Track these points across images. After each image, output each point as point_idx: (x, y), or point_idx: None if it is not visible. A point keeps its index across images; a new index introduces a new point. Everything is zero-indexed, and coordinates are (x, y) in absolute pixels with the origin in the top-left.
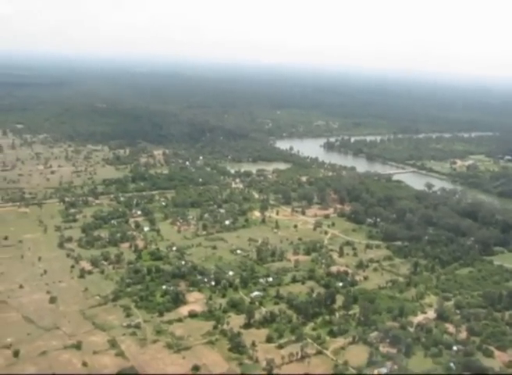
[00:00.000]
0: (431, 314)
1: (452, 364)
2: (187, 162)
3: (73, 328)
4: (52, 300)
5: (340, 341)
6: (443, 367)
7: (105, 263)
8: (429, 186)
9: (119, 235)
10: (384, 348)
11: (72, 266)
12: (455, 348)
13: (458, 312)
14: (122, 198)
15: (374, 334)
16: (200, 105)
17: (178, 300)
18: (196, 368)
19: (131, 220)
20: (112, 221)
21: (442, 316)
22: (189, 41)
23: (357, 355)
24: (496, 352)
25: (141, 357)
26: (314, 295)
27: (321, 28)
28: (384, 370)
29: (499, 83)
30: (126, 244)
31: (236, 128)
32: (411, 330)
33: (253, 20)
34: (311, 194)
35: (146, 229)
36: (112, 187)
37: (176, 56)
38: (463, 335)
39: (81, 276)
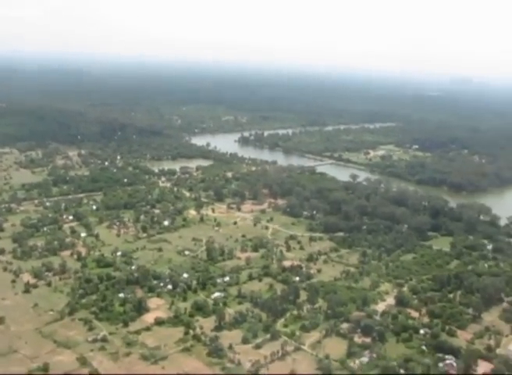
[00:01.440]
0: (390, 301)
1: (424, 347)
2: (106, 163)
3: (33, 349)
4: (0, 320)
5: (314, 335)
6: (417, 351)
7: (50, 275)
8: (354, 177)
9: (56, 243)
10: (359, 339)
11: (13, 281)
12: (422, 331)
13: (415, 296)
14: (48, 203)
15: (345, 326)
16: (105, 103)
17: (140, 308)
18: None
19: (65, 226)
20: (45, 228)
21: (401, 302)
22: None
23: (335, 347)
24: (458, 331)
25: (118, 372)
26: (279, 292)
27: (220, 22)
28: (365, 359)
29: (398, 77)
30: (67, 252)
31: (147, 125)
32: (377, 318)
33: (155, 16)
34: (243, 190)
35: (83, 235)
36: (34, 191)
37: (80, 53)
38: (425, 318)
39: (26, 290)
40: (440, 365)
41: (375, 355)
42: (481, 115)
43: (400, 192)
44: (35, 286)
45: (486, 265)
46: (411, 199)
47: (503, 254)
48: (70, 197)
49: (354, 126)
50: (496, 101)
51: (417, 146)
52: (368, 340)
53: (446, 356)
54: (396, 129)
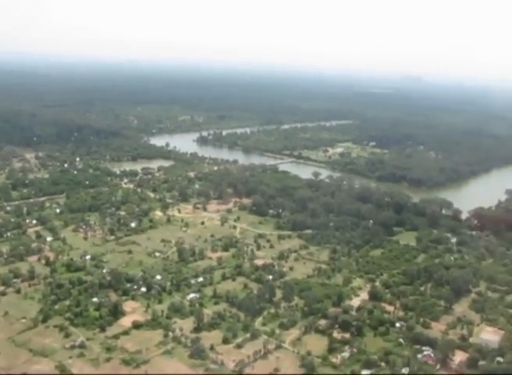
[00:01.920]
0: (364, 296)
1: (401, 339)
2: (66, 165)
3: (8, 359)
4: None
5: (294, 333)
6: (394, 343)
7: (18, 281)
8: (316, 174)
9: (22, 248)
10: (338, 334)
11: None
12: (398, 324)
13: (387, 291)
14: (8, 208)
15: (323, 322)
16: (58, 104)
17: (116, 312)
18: None
19: (29, 231)
20: (8, 234)
21: (375, 297)
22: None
23: (315, 343)
24: (432, 323)
25: None
26: (254, 291)
27: (177, 22)
28: (346, 354)
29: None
30: (34, 258)
31: (104, 126)
32: (354, 313)
33: (108, 16)
34: (207, 190)
35: (49, 239)
36: None
37: (28, 53)
38: (399, 312)
39: None
40: (419, 356)
41: (355, 350)
42: (432, 112)
43: (363, 189)
44: (3, 293)
45: (452, 258)
46: (375, 195)
47: (467, 246)
48: (32, 200)
49: (311, 124)
50: (444, 98)
51: (374, 143)
52: (346, 335)
53: (423, 347)
54: (352, 126)
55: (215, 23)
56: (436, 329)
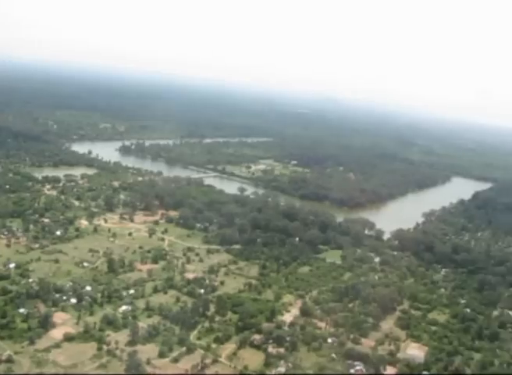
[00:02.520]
0: (294, 312)
1: (334, 355)
2: None
3: None
4: None
5: (229, 347)
6: (328, 359)
7: None
8: (242, 190)
9: None
10: (273, 349)
11: None
12: (330, 340)
13: (317, 307)
14: None
15: (257, 337)
16: None
17: (46, 323)
18: None
19: None
20: None
21: (306, 313)
22: None
23: (250, 358)
24: (362, 339)
25: None
26: (187, 304)
27: (95, 27)
28: (282, 370)
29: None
30: None
31: (23, 129)
32: (286, 328)
33: (24, 16)
34: (133, 201)
35: None
36: None
37: None
38: (330, 328)
39: None
40: (351, 371)
41: (290, 365)
42: (348, 133)
43: (289, 206)
44: None
45: (376, 277)
46: (300, 214)
47: (389, 266)
48: None
49: (232, 139)
50: (359, 120)
51: (295, 161)
52: (281, 350)
53: (355, 363)
54: (273, 144)
55: (143, 32)
56: (366, 344)
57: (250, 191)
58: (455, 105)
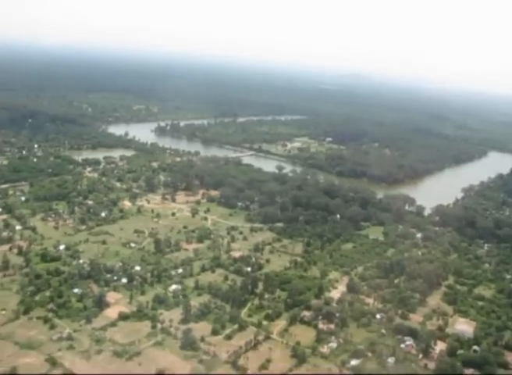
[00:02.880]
0: (341, 288)
1: (383, 330)
2: (24, 152)
3: None
4: None
5: (280, 324)
6: (377, 334)
7: None
8: (280, 168)
9: None
10: (324, 325)
11: None
12: (378, 316)
13: (363, 283)
14: None
15: (307, 313)
16: (4, 88)
17: (101, 303)
18: (161, 372)
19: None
20: None
21: (352, 290)
22: None
23: (302, 334)
24: (410, 315)
25: (95, 371)
26: (233, 283)
27: (125, 8)
28: (334, 345)
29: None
30: (5, 247)
31: (60, 113)
32: (334, 305)
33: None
34: (174, 181)
35: (18, 228)
36: None
37: None
38: (378, 304)
39: None
40: (402, 346)
41: (341, 341)
42: (379, 109)
43: (328, 184)
44: None
45: (419, 252)
46: (341, 191)
47: (432, 242)
48: None
49: (265, 117)
50: (388, 96)
51: (330, 139)
52: (331, 326)
53: (405, 338)
54: (306, 121)
55: (168, 11)
56: (414, 320)
57: (288, 169)
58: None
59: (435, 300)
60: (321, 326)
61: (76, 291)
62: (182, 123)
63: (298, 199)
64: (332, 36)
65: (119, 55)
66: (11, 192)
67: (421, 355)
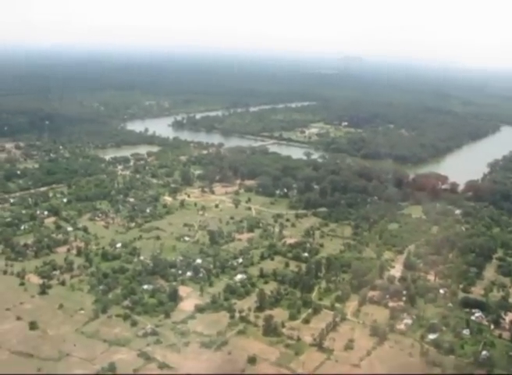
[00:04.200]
0: (398, 267)
1: (450, 304)
2: (52, 154)
3: (86, 351)
4: (32, 326)
5: (351, 305)
6: (445, 308)
7: (57, 273)
8: (308, 154)
9: (46, 240)
10: (394, 303)
11: (22, 283)
12: (442, 291)
13: (419, 261)
14: (11, 200)
15: (374, 293)
16: (12, 93)
17: (175, 297)
18: (252, 359)
19: (46, 222)
20: (24, 226)
21: (410, 267)
22: None
23: (375, 313)
24: (471, 288)
25: (189, 363)
26: (300, 268)
27: (121, 6)
28: (409, 321)
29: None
30: (63, 249)
31: (75, 114)
32: (398, 283)
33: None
34: (209, 173)
35: (69, 229)
36: None
37: None
38: (438, 280)
39: (42, 292)
40: (472, 318)
41: (414, 317)
42: (383, 90)
43: (361, 167)
44: (48, 286)
45: (463, 228)
46: (374, 173)
47: (472, 217)
48: (32, 191)
49: (277, 106)
50: (389, 77)
51: (346, 123)
52: (400, 304)
53: (473, 310)
54: (318, 107)
55: (167, 6)
56: (475, 293)
57: (315, 155)
58: (481, 52)
59: (490, 273)
60: (391, 304)
61: (145, 287)
62: (198, 116)
63: (336, 183)
64: (327, 19)
65: (119, 52)
66: (51, 194)
67: (492, 326)
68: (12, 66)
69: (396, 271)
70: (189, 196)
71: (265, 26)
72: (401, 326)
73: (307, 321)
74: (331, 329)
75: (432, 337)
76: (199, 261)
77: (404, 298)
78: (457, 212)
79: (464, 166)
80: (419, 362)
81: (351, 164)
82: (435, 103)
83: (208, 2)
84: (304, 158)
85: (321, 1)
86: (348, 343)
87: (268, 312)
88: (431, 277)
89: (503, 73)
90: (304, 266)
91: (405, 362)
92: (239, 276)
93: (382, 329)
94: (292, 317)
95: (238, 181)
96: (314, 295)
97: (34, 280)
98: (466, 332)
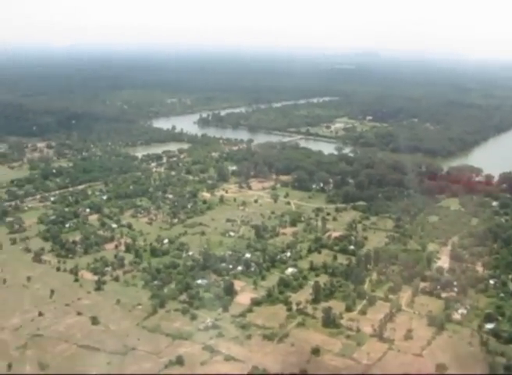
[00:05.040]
0: (445, 259)
1: (502, 294)
2: (84, 153)
3: (151, 345)
4: (94, 321)
5: (404, 296)
6: (498, 298)
7: (109, 269)
8: (339, 149)
9: (93, 237)
10: (446, 294)
11: (76, 280)
12: (491, 281)
13: (464, 252)
14: (52, 198)
15: (425, 284)
16: (37, 93)
17: (231, 291)
18: (316, 350)
19: (90, 219)
20: (69, 223)
21: (457, 259)
22: None
23: (429, 304)
24: None
25: (255, 356)
26: (348, 261)
27: (132, 6)
28: (464, 311)
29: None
30: (111, 245)
31: (100, 112)
32: (447, 274)
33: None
34: (245, 169)
35: (114, 226)
36: (28, 187)
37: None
38: (486, 270)
39: (98, 288)
40: None
41: (468, 307)
42: (403, 84)
43: (395, 160)
44: (103, 282)
45: (502, 219)
46: (408, 166)
47: (510, 209)
48: (70, 189)
49: (298, 101)
50: (407, 71)
51: (370, 117)
52: (452, 294)
53: None
54: (340, 102)
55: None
56: None
57: (345, 149)
58: (492, 44)
59: None
60: (444, 295)
61: (199, 281)
62: (222, 113)
63: (371, 177)
64: (341, 15)
65: (134, 52)
66: (90, 192)
67: None
68: (30, 67)
69: (443, 262)
70: (227, 192)
71: (281, 24)
72: (457, 316)
73: (363, 312)
74: (388, 319)
75: (489, 326)
76: (248, 255)
77: (456, 289)
78: (494, 203)
79: (493, 159)
80: (480, 352)
81: (383, 158)
82: (456, 96)
83: (224, 1)
84: (335, 152)
85: None
86: (407, 333)
87: (323, 304)
88: (478, 268)
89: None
90: (352, 259)
91: (467, 351)
92: (290, 270)
93: (439, 319)
94: (348, 309)
95: (273, 176)
96: (366, 287)
97: (88, 276)
98: None
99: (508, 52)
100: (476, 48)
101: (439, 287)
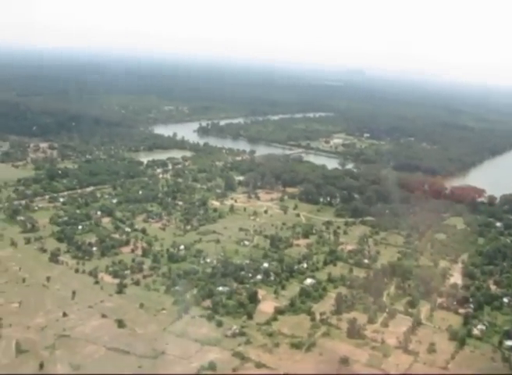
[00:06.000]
0: (457, 276)
1: None
2: (88, 155)
3: (180, 350)
4: (120, 324)
5: (422, 310)
6: None
7: (128, 273)
8: (343, 164)
9: (108, 240)
10: (464, 309)
11: (96, 282)
12: (505, 299)
13: (476, 270)
14: (61, 199)
15: (443, 299)
16: (32, 93)
17: (255, 299)
18: (345, 360)
19: (103, 222)
20: (82, 225)
21: (470, 276)
22: None
23: (448, 318)
24: None
25: (285, 364)
26: (371, 274)
27: (125, 11)
28: (483, 327)
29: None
30: (127, 249)
31: (99, 115)
32: (461, 291)
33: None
34: (253, 180)
35: (127, 230)
36: (35, 187)
37: None
38: (499, 288)
39: (119, 291)
40: None
41: (486, 323)
42: (395, 103)
43: (400, 178)
44: (124, 285)
45: (508, 240)
46: (412, 184)
47: None
48: (79, 191)
49: (294, 115)
50: (395, 91)
51: (368, 134)
52: (469, 310)
53: None
54: (336, 118)
55: (170, 13)
56: None
57: (347, 165)
58: (480, 69)
59: None
60: (461, 310)
61: (221, 288)
62: (221, 123)
63: (379, 193)
64: (327, 32)
65: (123, 57)
66: (99, 195)
67: None
68: (23, 68)
69: (456, 279)
70: (236, 201)
71: (265, 37)
72: (476, 332)
73: (385, 324)
74: (410, 333)
75: (509, 343)
76: (265, 265)
77: (472, 305)
78: (498, 224)
79: (491, 180)
80: (503, 367)
81: (388, 175)
82: (449, 118)
83: (213, 12)
84: (339, 167)
85: (319, 13)
86: (430, 346)
87: (345, 315)
88: (491, 286)
89: (505, 90)
90: (370, 272)
91: (491, 367)
92: (309, 281)
93: (460, 333)
94: (371, 321)
95: (280, 188)
96: (385, 300)
97: (107, 279)
98: None
99: (495, 78)
100: (461, 71)
101: (455, 302)
